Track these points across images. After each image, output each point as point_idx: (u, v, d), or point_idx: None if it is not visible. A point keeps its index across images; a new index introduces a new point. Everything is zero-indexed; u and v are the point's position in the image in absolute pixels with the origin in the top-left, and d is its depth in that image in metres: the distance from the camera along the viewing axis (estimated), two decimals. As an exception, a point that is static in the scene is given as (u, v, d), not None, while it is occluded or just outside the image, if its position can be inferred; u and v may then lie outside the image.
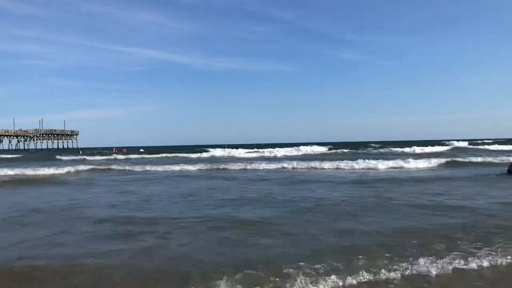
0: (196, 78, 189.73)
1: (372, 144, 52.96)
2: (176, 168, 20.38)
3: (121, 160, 33.37)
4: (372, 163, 19.04)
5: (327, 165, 19.55)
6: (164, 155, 38.97)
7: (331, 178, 14.05)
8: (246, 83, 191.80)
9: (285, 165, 20.10)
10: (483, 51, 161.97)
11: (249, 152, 39.29)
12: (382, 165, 18.60)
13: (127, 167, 21.34)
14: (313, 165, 19.73)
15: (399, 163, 19.31)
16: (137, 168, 20.56)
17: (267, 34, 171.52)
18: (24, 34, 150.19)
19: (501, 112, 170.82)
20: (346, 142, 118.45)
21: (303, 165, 19.96)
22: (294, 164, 20.26)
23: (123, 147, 57.15)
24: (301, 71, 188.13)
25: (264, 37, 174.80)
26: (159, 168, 20.23)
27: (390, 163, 19.08)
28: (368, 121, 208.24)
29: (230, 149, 44.04)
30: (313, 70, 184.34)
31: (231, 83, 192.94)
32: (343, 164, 19.29)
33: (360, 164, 18.97)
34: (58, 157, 37.96)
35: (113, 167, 21.96)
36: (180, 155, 38.50)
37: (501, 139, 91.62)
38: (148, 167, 20.66)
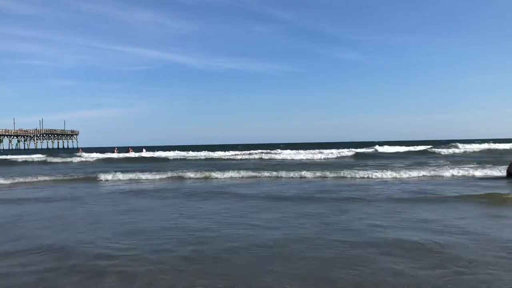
0: (196, 78, 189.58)
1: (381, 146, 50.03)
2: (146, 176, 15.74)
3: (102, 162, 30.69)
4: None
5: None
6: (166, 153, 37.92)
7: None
8: (246, 83, 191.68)
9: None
10: (484, 51, 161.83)
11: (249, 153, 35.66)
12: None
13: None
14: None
15: None
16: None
17: (267, 34, 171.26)
18: (24, 34, 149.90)
19: (503, 112, 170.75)
20: (350, 142, 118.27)
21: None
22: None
23: (129, 147, 56.56)
24: (301, 71, 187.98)
25: (264, 37, 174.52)
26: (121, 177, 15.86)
27: None
28: (369, 121, 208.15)
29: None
30: (313, 70, 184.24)
31: (231, 83, 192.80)
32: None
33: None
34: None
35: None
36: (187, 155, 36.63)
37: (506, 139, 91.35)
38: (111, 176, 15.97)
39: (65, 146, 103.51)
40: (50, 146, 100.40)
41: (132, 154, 39.90)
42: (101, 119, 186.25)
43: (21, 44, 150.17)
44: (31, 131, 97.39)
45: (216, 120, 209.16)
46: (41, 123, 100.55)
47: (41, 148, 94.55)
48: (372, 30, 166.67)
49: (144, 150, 50.35)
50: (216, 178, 15.35)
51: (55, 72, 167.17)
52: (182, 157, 33.60)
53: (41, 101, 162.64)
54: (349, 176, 14.65)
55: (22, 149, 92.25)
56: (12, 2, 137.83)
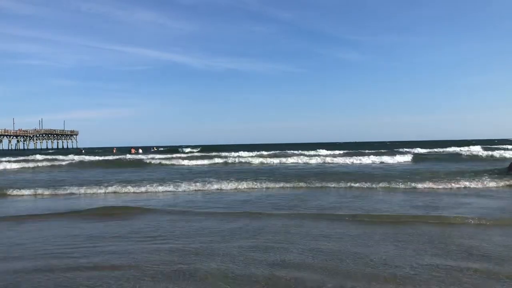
0: (196, 78, 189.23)
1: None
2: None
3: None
4: None
5: None
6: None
7: None
8: (246, 83, 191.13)
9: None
10: (484, 52, 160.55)
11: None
12: None
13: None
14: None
15: None
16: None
17: (267, 34, 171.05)
18: (24, 34, 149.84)
19: (503, 112, 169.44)
20: (356, 142, 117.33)
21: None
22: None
23: (132, 147, 55.79)
24: (301, 71, 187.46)
25: (264, 37, 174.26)
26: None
27: None
28: (368, 121, 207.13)
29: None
30: (313, 70, 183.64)
31: (231, 83, 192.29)
32: None
33: None
34: None
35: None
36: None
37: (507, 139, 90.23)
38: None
39: (65, 146, 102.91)
40: (49, 146, 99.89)
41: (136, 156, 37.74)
42: (101, 119, 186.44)
43: (21, 44, 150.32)
44: (30, 131, 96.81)
45: (216, 120, 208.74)
46: (40, 123, 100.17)
47: (41, 149, 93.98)
48: (372, 30, 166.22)
49: (140, 150, 49.58)
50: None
51: (55, 72, 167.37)
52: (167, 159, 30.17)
53: (41, 101, 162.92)
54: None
55: (21, 149, 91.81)
56: (12, 2, 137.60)
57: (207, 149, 49.24)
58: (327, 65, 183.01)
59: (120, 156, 32.48)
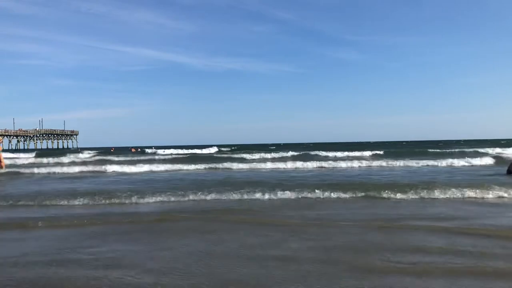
0: (196, 78, 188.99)
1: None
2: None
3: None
4: None
5: None
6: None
7: None
8: (246, 83, 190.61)
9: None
10: (483, 52, 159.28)
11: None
12: None
13: None
14: None
15: None
16: None
17: (267, 34, 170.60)
18: (24, 34, 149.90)
19: (501, 112, 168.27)
20: (360, 142, 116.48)
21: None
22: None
23: (132, 147, 55.39)
24: (301, 71, 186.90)
25: (264, 37, 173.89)
26: None
27: None
28: (368, 121, 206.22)
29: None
30: (313, 70, 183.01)
31: (231, 83, 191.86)
32: None
33: None
34: None
35: None
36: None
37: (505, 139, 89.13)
38: None
39: (65, 146, 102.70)
40: (50, 146, 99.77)
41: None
42: (101, 119, 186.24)
43: (21, 44, 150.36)
44: (30, 131, 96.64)
45: (216, 121, 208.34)
46: (40, 123, 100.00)
47: (41, 148, 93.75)
48: (372, 30, 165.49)
49: (139, 150, 49.06)
50: None
51: (55, 72, 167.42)
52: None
53: (41, 101, 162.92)
54: None
55: (22, 149, 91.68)
56: (12, 2, 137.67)
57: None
58: (327, 65, 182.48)
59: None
